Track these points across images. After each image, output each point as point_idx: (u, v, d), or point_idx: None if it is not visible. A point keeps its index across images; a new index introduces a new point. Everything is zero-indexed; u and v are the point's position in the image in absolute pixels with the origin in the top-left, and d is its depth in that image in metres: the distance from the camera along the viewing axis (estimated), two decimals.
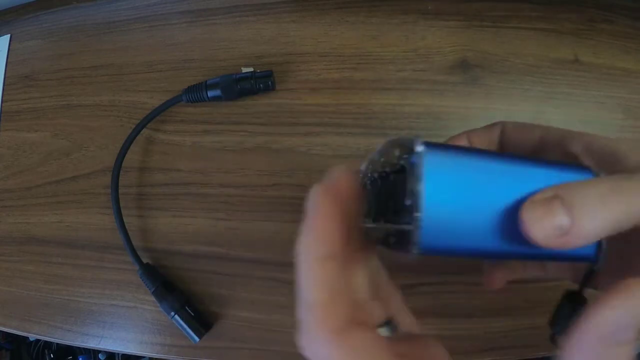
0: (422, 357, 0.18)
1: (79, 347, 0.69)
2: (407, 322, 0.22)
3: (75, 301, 0.38)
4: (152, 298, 0.35)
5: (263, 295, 0.36)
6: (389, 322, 0.20)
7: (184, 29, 0.42)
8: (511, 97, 0.37)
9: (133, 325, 0.37)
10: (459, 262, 0.34)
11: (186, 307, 0.35)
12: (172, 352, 0.36)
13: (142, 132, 0.39)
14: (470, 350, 0.34)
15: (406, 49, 0.39)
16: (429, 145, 0.16)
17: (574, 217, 0.15)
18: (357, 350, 0.17)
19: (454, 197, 0.16)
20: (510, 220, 0.16)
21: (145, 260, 0.37)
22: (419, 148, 0.16)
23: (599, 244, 0.18)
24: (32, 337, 0.68)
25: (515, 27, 0.39)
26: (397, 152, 0.17)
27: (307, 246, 0.17)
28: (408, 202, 0.16)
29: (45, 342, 0.70)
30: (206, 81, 0.38)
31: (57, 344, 0.69)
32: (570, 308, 0.20)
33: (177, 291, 0.35)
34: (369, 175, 0.19)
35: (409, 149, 0.17)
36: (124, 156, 0.38)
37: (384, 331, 0.19)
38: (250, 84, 0.38)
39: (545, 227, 0.16)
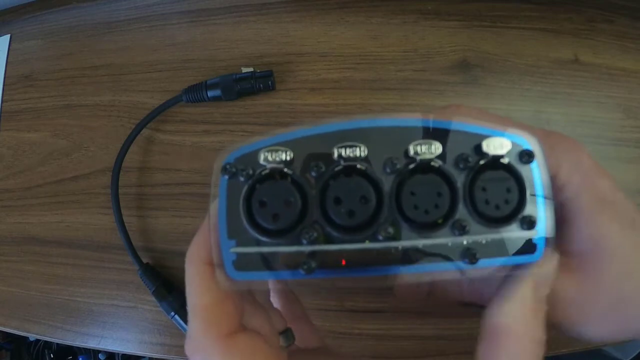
0: None
1: (79, 347, 0.69)
2: (307, 333, 0.22)
3: (75, 301, 0.38)
4: (152, 298, 0.35)
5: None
6: (285, 332, 0.20)
7: (184, 29, 0.42)
8: (511, 97, 0.37)
9: (133, 325, 0.37)
10: None
11: (186, 307, 0.35)
12: (172, 352, 0.36)
13: (142, 132, 0.39)
14: (470, 350, 0.33)
15: (406, 49, 0.39)
16: None
17: None
18: (244, 353, 0.16)
19: None
20: None
21: (145, 260, 0.37)
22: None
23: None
24: (32, 337, 0.68)
25: (515, 27, 0.39)
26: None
27: (195, 251, 0.17)
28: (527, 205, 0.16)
29: (45, 342, 0.70)
30: (206, 81, 0.38)
31: (57, 344, 0.69)
32: None
33: (177, 291, 0.35)
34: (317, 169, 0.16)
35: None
36: (124, 156, 0.38)
37: (280, 340, 0.19)
38: (250, 84, 0.38)
39: None
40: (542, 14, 0.39)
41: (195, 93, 0.38)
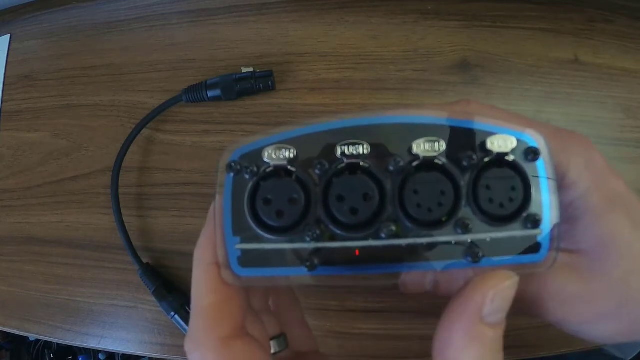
0: None
1: (79, 347, 0.69)
2: (302, 338, 0.22)
3: (75, 301, 0.38)
4: (152, 298, 0.35)
5: None
6: (279, 337, 0.21)
7: (184, 29, 0.42)
8: (511, 97, 0.37)
9: (133, 325, 0.37)
10: None
11: (186, 307, 0.35)
12: (172, 352, 0.36)
13: (142, 132, 0.39)
14: None
15: (406, 49, 0.39)
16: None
17: None
18: (239, 359, 0.16)
19: None
20: None
21: (145, 260, 0.37)
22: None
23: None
24: (32, 337, 0.68)
25: (515, 27, 0.39)
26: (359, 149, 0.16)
27: (201, 252, 0.18)
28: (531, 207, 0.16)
29: (45, 342, 0.70)
30: (206, 81, 0.38)
31: (57, 344, 0.69)
32: None
33: (177, 291, 0.35)
34: (320, 167, 0.16)
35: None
36: (124, 156, 0.38)
37: (273, 345, 0.20)
38: (250, 84, 0.38)
39: None
40: (542, 14, 0.39)
41: (195, 93, 0.38)
